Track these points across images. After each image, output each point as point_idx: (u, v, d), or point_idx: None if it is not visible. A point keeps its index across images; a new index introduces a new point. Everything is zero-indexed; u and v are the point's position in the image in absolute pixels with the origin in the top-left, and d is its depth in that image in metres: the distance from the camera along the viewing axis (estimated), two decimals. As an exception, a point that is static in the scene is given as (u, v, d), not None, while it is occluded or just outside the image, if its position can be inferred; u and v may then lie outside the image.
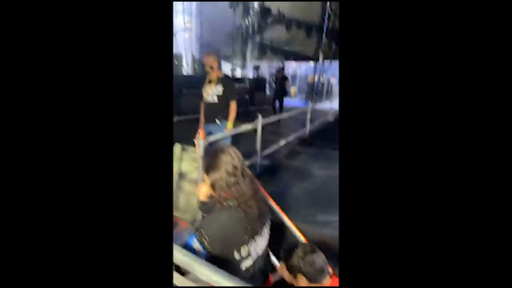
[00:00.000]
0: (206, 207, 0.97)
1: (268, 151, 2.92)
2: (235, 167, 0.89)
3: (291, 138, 3.61)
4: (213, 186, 0.91)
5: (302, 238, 1.15)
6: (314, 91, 10.98)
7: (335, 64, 10.94)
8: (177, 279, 0.69)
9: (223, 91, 2.22)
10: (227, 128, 2.27)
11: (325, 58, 10.47)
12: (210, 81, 2.28)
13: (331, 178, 2.41)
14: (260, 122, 2.57)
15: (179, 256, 0.56)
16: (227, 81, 2.30)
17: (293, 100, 11.08)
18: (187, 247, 0.82)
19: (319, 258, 0.89)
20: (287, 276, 0.95)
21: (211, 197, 0.94)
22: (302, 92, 13.11)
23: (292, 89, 12.83)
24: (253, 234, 0.89)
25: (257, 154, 2.57)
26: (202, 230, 0.82)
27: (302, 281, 0.89)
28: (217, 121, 2.26)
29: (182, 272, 0.71)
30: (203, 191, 0.95)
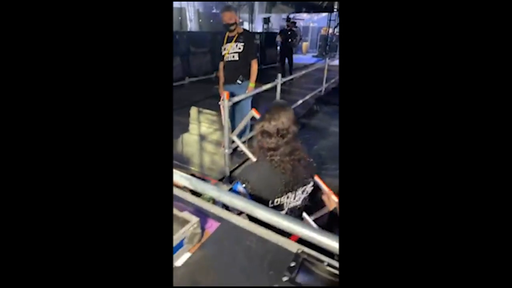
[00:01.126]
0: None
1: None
2: (287, 128, 0.93)
3: (308, 97, 3.56)
4: (261, 134, 0.97)
5: (327, 189, 1.22)
6: (328, 45, 10.33)
7: (352, 13, 10.02)
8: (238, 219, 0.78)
9: (244, 47, 2.14)
10: (249, 88, 2.25)
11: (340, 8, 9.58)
12: (229, 38, 2.19)
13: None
14: (280, 81, 2.53)
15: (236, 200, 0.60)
16: (248, 36, 2.19)
17: (305, 57, 10.53)
18: (233, 191, 0.93)
19: None
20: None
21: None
22: (314, 47, 12.34)
23: (304, 45, 12.07)
24: (287, 190, 0.97)
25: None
26: (246, 175, 0.95)
27: None
28: (238, 81, 2.23)
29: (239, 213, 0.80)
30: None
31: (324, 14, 10.61)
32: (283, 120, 0.93)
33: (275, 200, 0.97)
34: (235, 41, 2.15)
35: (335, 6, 9.48)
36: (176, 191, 0.88)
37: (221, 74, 2.32)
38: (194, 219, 0.65)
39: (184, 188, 0.86)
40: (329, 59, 4.83)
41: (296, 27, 5.61)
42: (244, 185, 0.95)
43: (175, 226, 0.66)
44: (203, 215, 0.74)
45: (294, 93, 3.89)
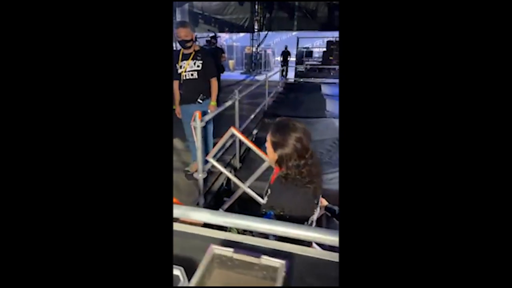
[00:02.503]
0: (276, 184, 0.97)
1: (243, 125, 2.90)
2: (304, 146, 0.90)
3: (257, 111, 3.65)
4: (280, 162, 0.92)
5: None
6: (254, 63, 10.98)
7: (270, 34, 11.05)
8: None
9: (202, 65, 2.04)
10: (211, 107, 2.14)
11: (260, 28, 10.42)
12: (184, 56, 2.05)
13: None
14: (237, 97, 2.51)
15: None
16: (206, 54, 2.09)
17: (233, 74, 10.88)
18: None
19: None
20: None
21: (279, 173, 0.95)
22: (239, 64, 12.91)
23: (231, 62, 12.50)
24: (316, 206, 0.97)
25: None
26: (278, 204, 0.89)
27: None
28: (199, 100, 2.10)
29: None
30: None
31: (243, 34, 11.33)
32: (298, 139, 0.91)
33: (310, 219, 0.93)
34: (193, 59, 2.02)
35: (256, 26, 10.26)
36: (200, 230, 0.76)
37: (176, 93, 2.13)
38: (280, 263, 0.54)
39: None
40: (256, 75, 5.08)
41: (220, 45, 5.68)
42: (276, 213, 0.88)
43: (256, 278, 0.54)
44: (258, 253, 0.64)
45: (242, 109, 3.93)
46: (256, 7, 10.05)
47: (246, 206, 1.90)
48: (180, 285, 0.52)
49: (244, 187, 1.80)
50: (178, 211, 0.72)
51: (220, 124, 2.54)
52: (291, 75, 8.48)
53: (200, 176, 1.84)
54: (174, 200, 1.40)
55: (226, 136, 1.67)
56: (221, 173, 2.21)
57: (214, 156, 1.77)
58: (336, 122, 3.19)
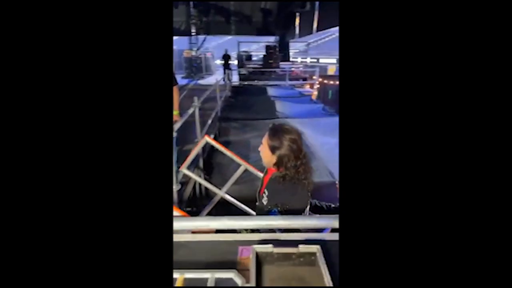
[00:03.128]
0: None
1: (204, 131, 2.88)
2: (299, 147, 1.02)
3: (212, 116, 3.64)
4: (279, 163, 1.01)
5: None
6: (195, 66, 10.74)
7: (209, 38, 10.99)
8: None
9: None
10: (174, 116, 2.08)
11: (197, 31, 10.27)
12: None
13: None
14: (197, 104, 2.48)
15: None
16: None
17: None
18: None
19: None
20: None
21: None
22: (177, 68, 12.41)
23: (169, 66, 11.88)
24: (309, 198, 1.09)
25: (197, 136, 2.52)
26: (282, 202, 0.98)
27: None
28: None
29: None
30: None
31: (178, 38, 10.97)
32: (294, 141, 1.03)
33: (305, 210, 1.04)
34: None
35: (193, 30, 10.07)
36: (217, 237, 0.79)
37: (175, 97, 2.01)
38: (316, 248, 0.63)
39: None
40: (199, 79, 5.06)
41: None
42: (280, 210, 0.97)
43: (298, 266, 0.62)
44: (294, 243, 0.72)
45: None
46: (192, 10, 9.88)
47: (223, 210, 1.92)
48: (240, 285, 0.56)
49: (222, 193, 1.82)
50: (189, 223, 0.73)
51: (178, 131, 2.47)
52: (235, 78, 8.63)
53: (174, 187, 1.79)
54: (182, 212, 1.36)
55: (201, 145, 1.67)
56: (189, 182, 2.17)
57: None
58: (290, 121, 3.44)
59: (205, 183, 1.78)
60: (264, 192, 1.11)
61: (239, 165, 2.22)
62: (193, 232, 0.86)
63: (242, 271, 0.61)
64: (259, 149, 1.12)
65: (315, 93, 7.34)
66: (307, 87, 8.04)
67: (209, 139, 1.62)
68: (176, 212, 1.26)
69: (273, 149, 1.02)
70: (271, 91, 5.98)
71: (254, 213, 1.78)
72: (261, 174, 1.86)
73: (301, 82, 8.15)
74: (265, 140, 1.05)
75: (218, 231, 0.83)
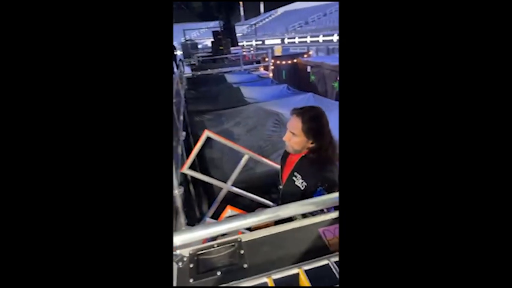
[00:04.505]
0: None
1: (180, 126, 2.70)
2: (329, 128, 1.04)
3: (182, 110, 3.42)
4: (317, 145, 1.02)
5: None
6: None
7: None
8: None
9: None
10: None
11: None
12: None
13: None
14: (174, 100, 2.29)
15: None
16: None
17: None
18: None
19: None
20: None
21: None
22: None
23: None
24: None
25: (178, 135, 2.36)
26: (324, 180, 1.00)
27: None
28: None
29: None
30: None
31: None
32: (327, 122, 1.05)
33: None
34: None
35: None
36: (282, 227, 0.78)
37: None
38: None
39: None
40: None
41: None
42: (324, 187, 0.99)
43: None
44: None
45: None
46: None
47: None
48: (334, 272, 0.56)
49: (228, 187, 1.76)
50: (246, 220, 0.68)
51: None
52: (186, 69, 8.17)
53: (176, 192, 1.65)
54: (236, 209, 1.26)
55: (202, 141, 1.56)
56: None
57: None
58: (264, 105, 3.43)
59: (210, 180, 1.69)
60: (295, 176, 1.11)
61: (234, 156, 2.16)
62: (251, 229, 0.82)
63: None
64: (285, 138, 1.10)
65: (271, 74, 7.42)
66: (262, 70, 8.06)
67: (210, 134, 1.53)
68: (232, 211, 1.18)
69: (311, 133, 1.01)
70: (230, 78, 5.83)
71: (268, 202, 1.77)
72: (267, 161, 1.84)
73: (255, 65, 8.11)
74: (296, 128, 1.03)
75: (277, 222, 0.81)
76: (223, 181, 1.75)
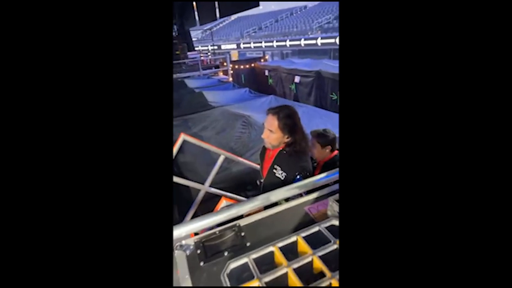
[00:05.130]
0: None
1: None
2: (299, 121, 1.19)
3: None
4: (292, 139, 1.16)
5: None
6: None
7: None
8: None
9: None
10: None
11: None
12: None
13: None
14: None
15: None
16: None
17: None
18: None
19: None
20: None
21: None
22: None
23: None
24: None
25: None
26: (300, 169, 1.16)
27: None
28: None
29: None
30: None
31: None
32: (299, 119, 1.21)
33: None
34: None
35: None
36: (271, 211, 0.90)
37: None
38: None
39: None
40: None
41: None
42: (303, 175, 1.13)
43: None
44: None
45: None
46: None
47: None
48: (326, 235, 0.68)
49: (206, 188, 1.81)
50: (236, 209, 0.82)
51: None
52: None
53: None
54: (230, 200, 1.31)
55: (178, 145, 1.58)
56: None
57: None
58: (230, 108, 3.51)
59: (187, 182, 1.72)
60: (275, 168, 1.23)
61: (207, 159, 2.21)
62: (243, 216, 0.91)
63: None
64: (264, 136, 1.22)
65: (230, 78, 7.53)
66: (221, 74, 8.12)
67: (186, 137, 1.56)
68: (227, 202, 1.23)
69: (286, 129, 1.15)
70: (190, 83, 5.77)
71: (244, 198, 1.86)
72: (241, 159, 1.94)
73: (214, 70, 8.14)
74: (273, 125, 1.16)
75: (266, 207, 0.92)
76: (200, 183, 1.79)
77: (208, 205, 1.79)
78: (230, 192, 1.82)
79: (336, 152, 1.54)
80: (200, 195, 1.82)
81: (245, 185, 1.99)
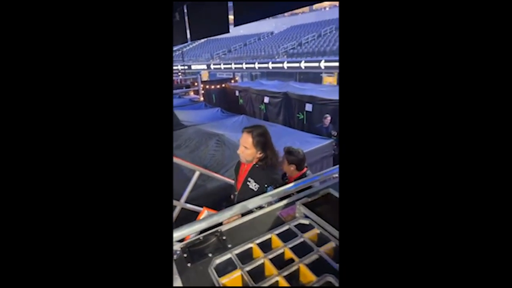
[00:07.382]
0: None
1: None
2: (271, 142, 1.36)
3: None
4: (265, 155, 1.32)
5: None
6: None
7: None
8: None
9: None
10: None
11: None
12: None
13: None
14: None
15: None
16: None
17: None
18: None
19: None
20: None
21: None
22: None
23: None
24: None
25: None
26: (272, 182, 1.33)
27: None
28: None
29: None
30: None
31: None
32: (270, 137, 1.38)
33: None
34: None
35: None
36: (249, 216, 1.02)
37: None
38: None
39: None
40: None
41: None
42: (274, 186, 1.29)
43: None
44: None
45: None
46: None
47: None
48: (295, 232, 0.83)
49: (182, 204, 1.86)
50: (215, 218, 0.94)
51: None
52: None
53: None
54: (211, 210, 1.37)
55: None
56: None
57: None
58: (203, 127, 3.61)
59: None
60: (249, 181, 1.37)
61: (180, 176, 2.26)
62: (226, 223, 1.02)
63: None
64: (239, 151, 1.37)
65: (202, 98, 7.65)
66: (192, 94, 8.21)
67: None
68: (208, 211, 1.29)
69: (259, 146, 1.31)
70: (161, 103, 5.77)
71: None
72: (216, 175, 2.03)
73: (185, 90, 8.21)
74: (247, 142, 1.31)
75: (243, 214, 1.05)
76: (176, 200, 1.85)
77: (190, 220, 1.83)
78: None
79: (305, 170, 1.73)
80: (176, 211, 1.86)
81: (221, 201, 2.07)
